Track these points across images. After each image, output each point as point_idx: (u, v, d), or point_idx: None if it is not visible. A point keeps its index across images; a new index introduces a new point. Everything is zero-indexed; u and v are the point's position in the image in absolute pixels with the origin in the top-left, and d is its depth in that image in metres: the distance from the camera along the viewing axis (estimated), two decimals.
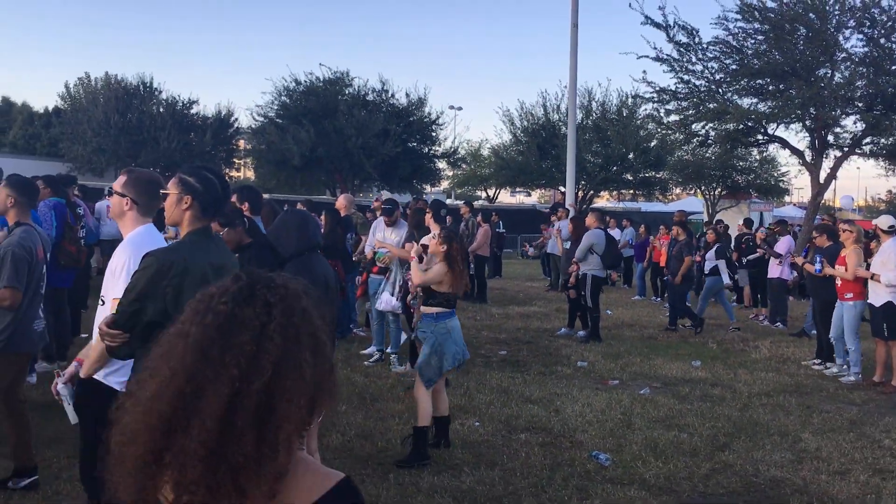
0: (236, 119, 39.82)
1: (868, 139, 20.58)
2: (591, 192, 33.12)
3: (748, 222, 16.77)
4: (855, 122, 20.47)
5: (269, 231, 4.87)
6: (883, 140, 20.71)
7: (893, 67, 18.70)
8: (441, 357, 6.00)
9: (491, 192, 46.71)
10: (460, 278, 6.15)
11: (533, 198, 54.57)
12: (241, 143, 42.12)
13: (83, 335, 9.32)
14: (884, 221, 9.61)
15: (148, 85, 37.92)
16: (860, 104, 19.38)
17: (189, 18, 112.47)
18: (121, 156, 35.65)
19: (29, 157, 39.13)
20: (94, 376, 3.64)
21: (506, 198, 52.16)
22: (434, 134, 35.21)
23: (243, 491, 1.24)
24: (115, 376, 3.65)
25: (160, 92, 38.36)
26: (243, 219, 5.15)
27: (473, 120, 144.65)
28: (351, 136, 30.77)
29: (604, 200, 41.81)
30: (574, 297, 12.12)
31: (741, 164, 34.27)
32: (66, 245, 8.18)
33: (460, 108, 54.26)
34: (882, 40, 18.64)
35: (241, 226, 5.00)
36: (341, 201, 11.52)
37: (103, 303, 3.57)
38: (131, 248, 3.60)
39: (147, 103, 37.09)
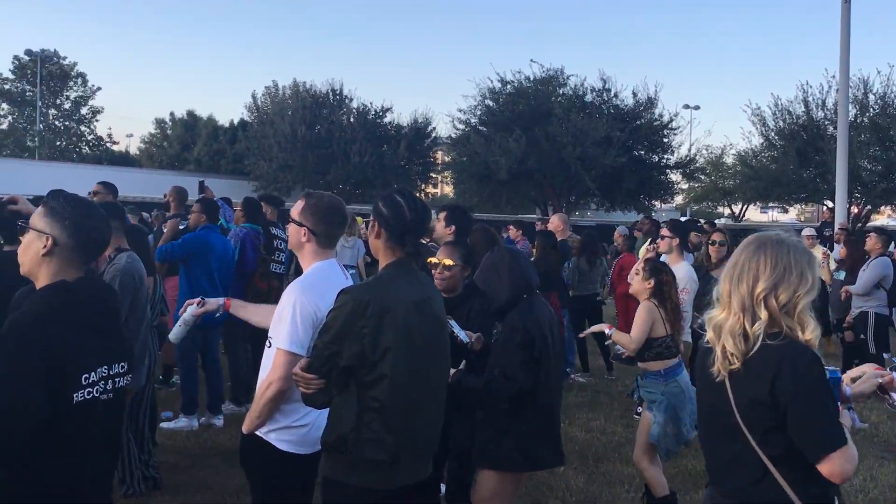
0: (434, 128, 41.06)
1: None
2: (868, 207, 31.20)
3: None
4: None
5: (477, 277, 4.86)
6: None
7: None
8: (678, 424, 5.81)
9: (736, 209, 45.18)
10: (676, 314, 6.00)
11: (790, 214, 52.21)
12: (439, 154, 43.34)
13: None
14: None
15: (338, 92, 39.87)
16: None
17: (381, 18, 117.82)
18: (308, 172, 37.65)
19: (213, 174, 42.04)
20: (257, 432, 3.72)
21: (755, 215, 50.27)
22: (666, 140, 34.62)
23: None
24: (280, 434, 3.70)
25: (351, 100, 40.25)
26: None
27: (715, 121, 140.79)
28: (566, 145, 30.83)
29: (884, 217, 39.26)
30: (851, 341, 11.39)
31: None
32: (257, 280, 8.64)
33: (697, 108, 53.09)
34: None
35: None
36: (555, 222, 11.48)
37: (269, 345, 3.71)
38: (298, 290, 3.69)
39: (336, 113, 39.02)
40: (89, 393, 2.76)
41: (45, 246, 2.83)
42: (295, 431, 3.68)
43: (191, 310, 4.33)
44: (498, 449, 4.49)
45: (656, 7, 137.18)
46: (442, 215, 6.13)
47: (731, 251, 7.19)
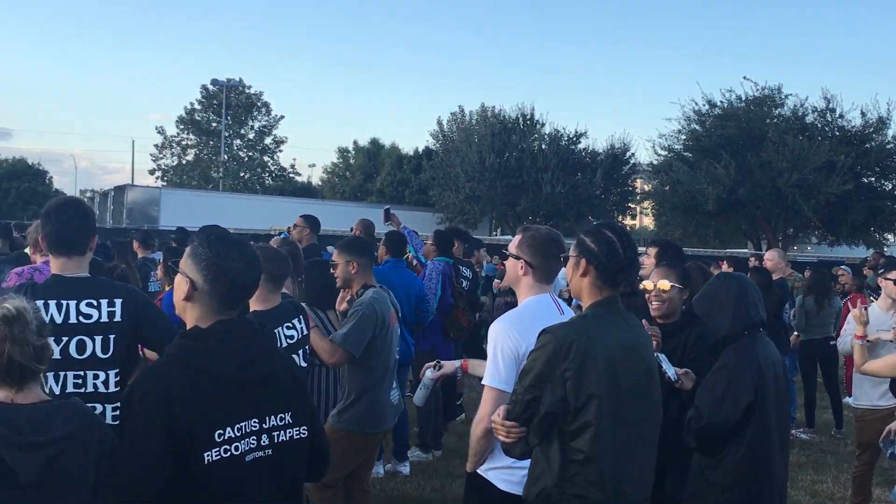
0: (633, 154, 40.86)
1: None
2: None
3: None
4: None
5: (696, 303, 4.75)
6: None
7: None
8: None
9: None
10: None
11: None
12: (639, 183, 43.01)
13: (459, 418, 9.97)
14: None
15: (528, 117, 40.25)
16: None
17: (573, 35, 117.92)
18: (497, 203, 38.10)
19: (397, 205, 43.03)
20: (478, 471, 3.85)
21: None
22: None
23: None
24: (500, 473, 3.81)
25: (542, 125, 40.55)
26: None
27: None
28: (783, 171, 29.94)
29: None
30: None
31: None
32: (459, 315, 8.77)
33: None
34: None
35: None
36: (772, 258, 11.22)
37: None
38: (501, 325, 3.81)
39: (527, 139, 39.38)
40: (227, 451, 2.67)
41: (184, 290, 2.82)
42: (516, 472, 3.73)
43: (428, 374, 4.46)
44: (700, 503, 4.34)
45: (889, 16, 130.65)
46: (653, 251, 6.14)
47: None
